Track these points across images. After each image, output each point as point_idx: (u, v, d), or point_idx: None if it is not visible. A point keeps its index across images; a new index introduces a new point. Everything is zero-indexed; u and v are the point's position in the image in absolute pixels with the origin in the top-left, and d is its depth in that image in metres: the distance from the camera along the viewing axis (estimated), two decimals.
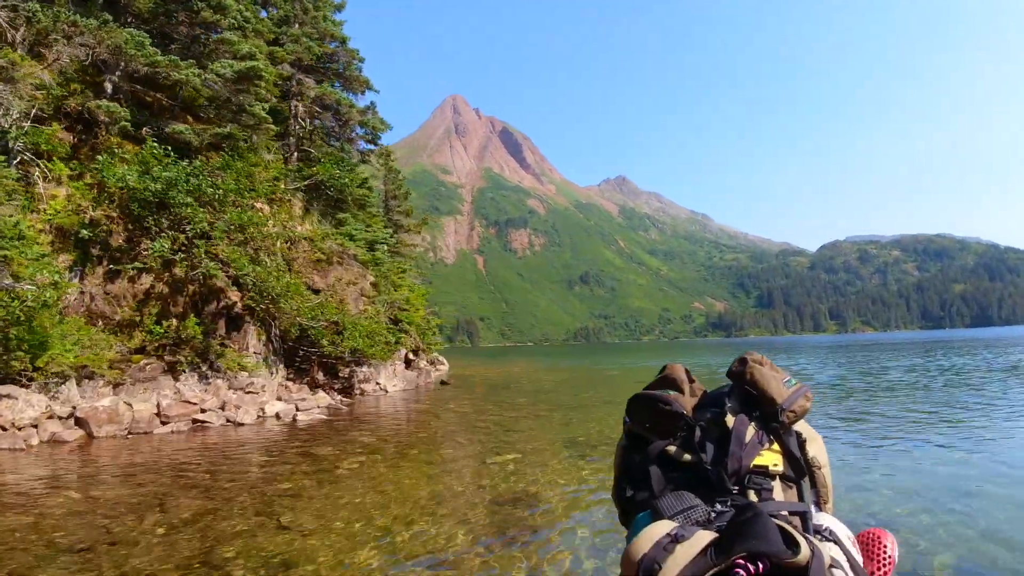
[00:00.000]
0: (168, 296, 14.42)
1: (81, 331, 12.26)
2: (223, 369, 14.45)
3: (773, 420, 1.34)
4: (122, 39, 14.02)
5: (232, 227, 15.05)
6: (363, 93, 25.91)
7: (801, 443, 1.37)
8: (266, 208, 18.97)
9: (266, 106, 18.47)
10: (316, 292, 19.54)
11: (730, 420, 1.33)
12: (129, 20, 16.55)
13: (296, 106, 23.44)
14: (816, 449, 1.40)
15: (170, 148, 14.95)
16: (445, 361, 39.94)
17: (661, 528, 1.09)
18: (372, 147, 28.00)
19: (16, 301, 10.10)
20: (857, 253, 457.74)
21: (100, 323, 13.30)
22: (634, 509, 1.32)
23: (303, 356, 18.54)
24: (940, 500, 6.52)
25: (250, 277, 14.89)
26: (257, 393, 14.43)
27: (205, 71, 15.88)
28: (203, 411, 12.33)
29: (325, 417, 13.96)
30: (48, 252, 12.65)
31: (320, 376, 18.93)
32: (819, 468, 1.39)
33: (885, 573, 1.48)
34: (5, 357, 10.24)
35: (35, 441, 9.92)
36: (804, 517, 1.24)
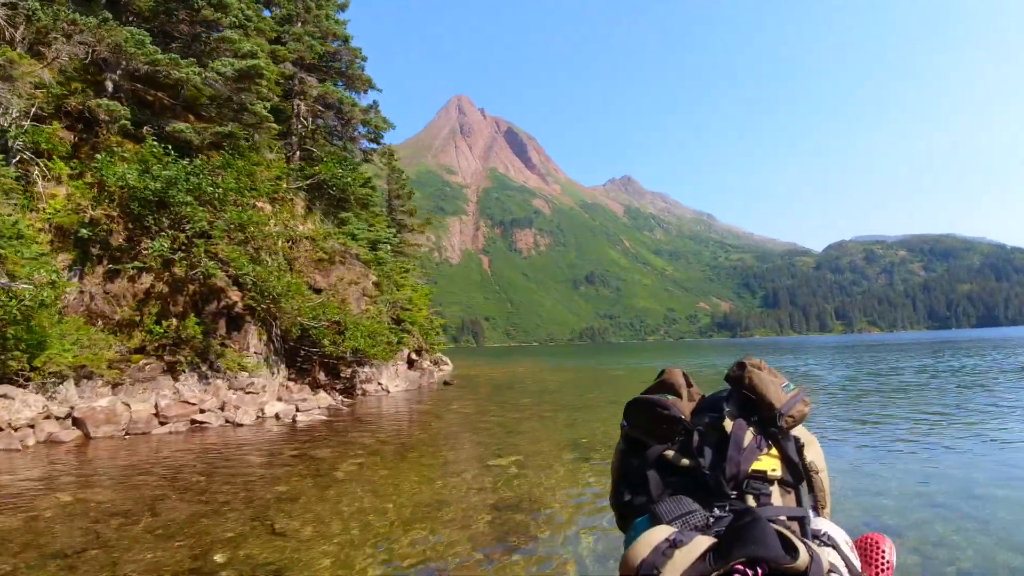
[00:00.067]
0: (168, 296, 14.31)
1: (80, 331, 12.16)
2: (223, 369, 14.33)
3: (771, 425, 1.33)
4: (122, 37, 13.92)
5: (232, 226, 14.93)
6: (366, 92, 25.80)
7: (799, 448, 1.37)
8: (267, 207, 18.86)
9: (268, 105, 18.36)
10: (318, 292, 19.42)
11: (728, 424, 1.32)
12: (130, 19, 16.47)
13: (298, 105, 23.34)
14: (814, 454, 1.40)
15: (170, 147, 14.86)
16: (449, 361, 39.80)
17: (660, 533, 1.08)
18: (375, 146, 27.90)
19: (14, 300, 9.99)
20: (863, 253, 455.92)
21: (100, 323, 13.20)
22: (632, 514, 1.31)
23: (304, 356, 18.42)
24: (955, 505, 6.32)
25: (250, 276, 14.77)
26: (257, 393, 14.30)
27: (206, 69, 15.77)
28: (202, 411, 12.21)
29: (325, 418, 13.82)
30: (47, 251, 12.56)
31: (321, 376, 18.80)
32: (817, 473, 1.39)
33: None
34: (2, 357, 10.13)
35: (31, 442, 9.81)
36: (802, 522, 1.24)
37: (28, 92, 12.27)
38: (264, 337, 16.52)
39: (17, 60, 11.17)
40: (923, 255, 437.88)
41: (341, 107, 24.50)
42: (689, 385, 1.50)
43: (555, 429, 12.15)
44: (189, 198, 14.10)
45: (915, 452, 8.99)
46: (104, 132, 15.00)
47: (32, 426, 10.08)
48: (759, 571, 0.96)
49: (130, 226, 14.37)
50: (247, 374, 14.93)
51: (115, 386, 12.20)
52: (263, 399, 14.05)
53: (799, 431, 1.40)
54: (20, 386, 10.49)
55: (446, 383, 25.12)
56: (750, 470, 1.26)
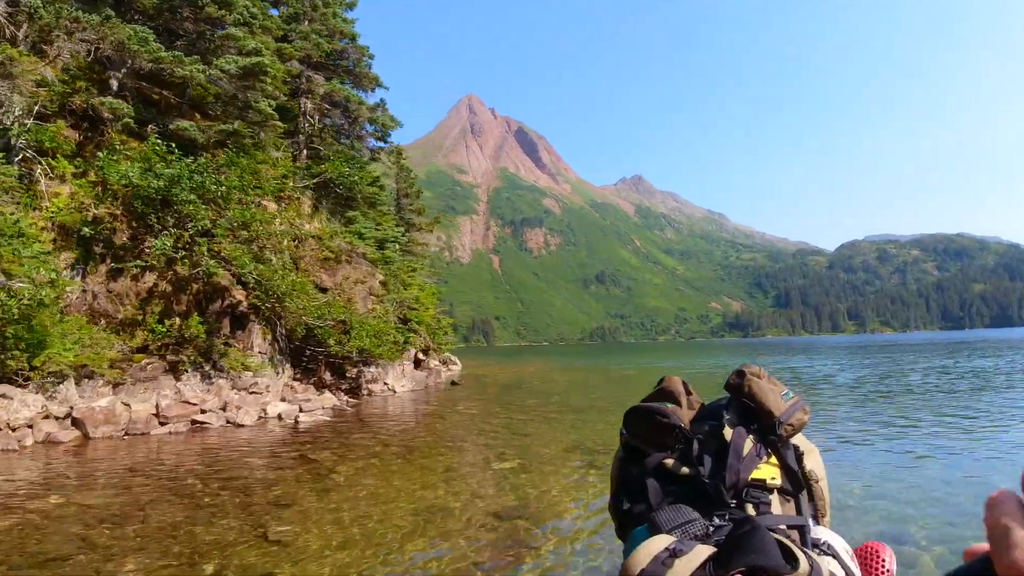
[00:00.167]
0: (171, 294, 14.21)
1: (82, 330, 12.07)
2: (226, 369, 14.21)
3: (771, 433, 1.33)
4: (125, 35, 13.84)
5: (235, 225, 14.80)
6: (373, 90, 25.67)
7: (799, 456, 1.36)
8: (273, 206, 18.76)
9: (273, 103, 18.24)
10: (324, 291, 19.29)
11: (728, 433, 1.31)
12: (135, 17, 16.41)
13: (305, 103, 23.23)
14: (813, 462, 1.38)
15: (174, 145, 14.75)
16: (458, 361, 39.63)
17: (659, 543, 1.07)
18: (382, 144, 27.75)
19: (13, 300, 9.89)
20: (876, 252, 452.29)
21: (103, 322, 13.12)
22: (631, 522, 1.29)
23: (310, 356, 18.30)
24: (981, 512, 6.03)
25: (252, 275, 14.64)
26: (260, 393, 14.17)
27: (210, 67, 15.66)
28: (203, 412, 12.08)
29: (328, 419, 13.66)
30: (50, 250, 12.50)
31: (327, 376, 18.67)
32: (816, 481, 1.37)
33: None
34: (1, 356, 10.03)
35: (29, 442, 9.72)
36: (802, 531, 1.23)
37: (30, 90, 12.19)
38: (268, 336, 16.40)
39: (17, 58, 11.08)
40: (936, 254, 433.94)
41: (348, 105, 24.37)
42: (688, 393, 1.49)
43: (561, 431, 11.91)
44: (192, 196, 13.99)
45: (936, 456, 8.68)
46: (108, 130, 14.93)
47: (30, 426, 9.98)
48: None
49: (134, 224, 14.29)
50: (251, 374, 14.81)
51: (116, 386, 12.10)
52: (266, 399, 13.92)
53: (798, 439, 1.39)
54: (19, 386, 10.40)
55: (453, 383, 24.94)
56: (750, 479, 1.25)
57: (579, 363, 47.45)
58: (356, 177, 22.41)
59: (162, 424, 11.38)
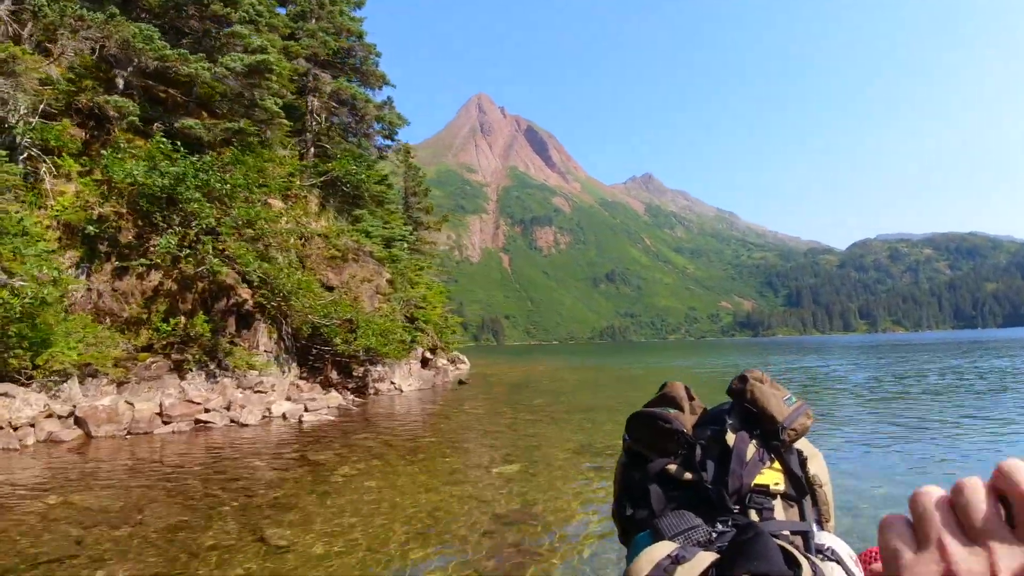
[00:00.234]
0: (177, 293, 14.16)
1: (87, 328, 12.03)
2: (231, 368, 14.15)
3: (774, 438, 1.30)
4: (130, 33, 13.80)
5: (240, 223, 14.73)
6: (380, 88, 25.59)
7: (802, 461, 1.32)
8: (279, 204, 18.70)
9: (279, 101, 18.18)
10: (330, 289, 19.22)
11: (731, 438, 1.28)
12: (142, 15, 16.38)
13: (312, 101, 23.17)
14: (817, 467, 1.33)
15: (180, 143, 14.70)
16: (466, 360, 39.52)
17: (661, 549, 1.04)
18: (389, 142, 27.66)
19: (15, 298, 9.84)
20: (888, 251, 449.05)
21: (108, 320, 13.09)
22: (634, 528, 1.25)
23: (316, 355, 18.22)
24: None
25: (256, 274, 14.56)
26: (266, 392, 14.10)
27: (215, 65, 15.60)
28: (207, 411, 12.00)
29: (333, 418, 13.55)
30: (55, 248, 12.47)
31: (334, 375, 18.59)
32: (820, 486, 1.33)
33: None
34: (3, 354, 9.98)
35: (31, 441, 9.66)
36: (806, 536, 1.19)
37: (34, 88, 12.14)
38: (274, 335, 16.33)
39: (20, 55, 11.04)
40: (949, 253, 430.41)
41: (355, 103, 24.30)
42: (691, 398, 1.45)
43: (568, 432, 11.72)
44: (197, 194, 13.93)
45: (955, 460, 8.44)
46: (114, 129, 14.91)
47: (33, 425, 9.93)
48: None
49: (139, 223, 14.26)
50: (256, 373, 14.74)
51: (120, 385, 12.05)
52: (271, 398, 13.84)
53: (802, 444, 1.35)
54: (22, 384, 10.36)
55: (461, 382, 24.81)
56: (753, 484, 1.22)
57: (588, 362, 47.22)
58: (363, 175, 22.32)
59: (165, 423, 11.31)
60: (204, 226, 14.01)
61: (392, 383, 20.06)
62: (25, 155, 12.45)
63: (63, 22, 12.91)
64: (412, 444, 10.68)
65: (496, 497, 7.09)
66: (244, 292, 15.55)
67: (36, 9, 12.67)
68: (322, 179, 21.84)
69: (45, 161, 12.82)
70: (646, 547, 1.09)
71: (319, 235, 20.33)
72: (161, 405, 11.61)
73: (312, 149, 23.83)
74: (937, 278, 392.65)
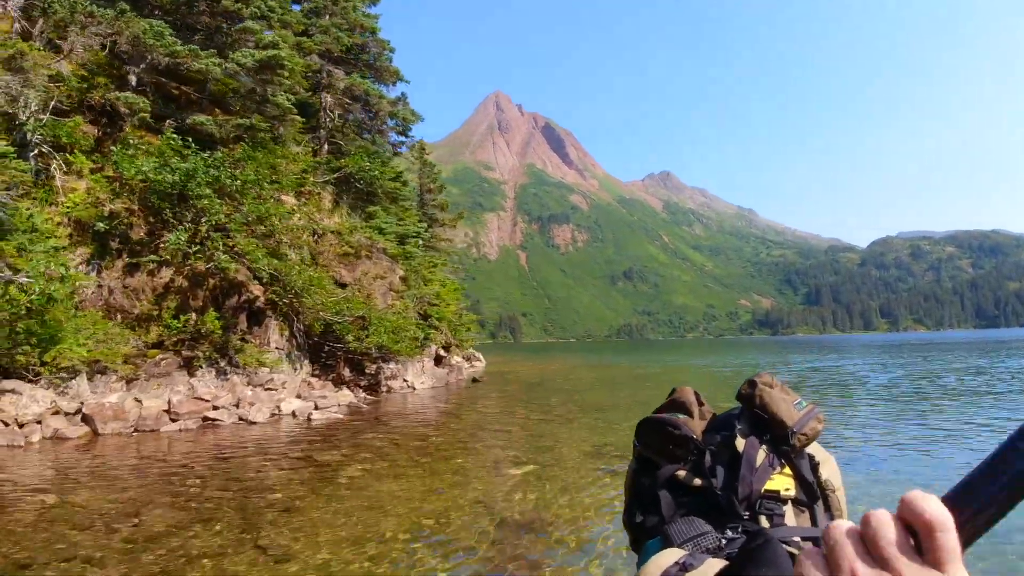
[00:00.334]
0: (188, 290, 14.10)
1: (97, 325, 11.98)
2: (242, 365, 14.05)
3: (784, 443, 1.31)
4: (140, 29, 13.72)
5: (251, 219, 14.62)
6: (394, 84, 25.43)
7: (814, 466, 1.33)
8: (292, 200, 18.60)
9: (291, 97, 18.07)
10: (343, 286, 19.09)
11: (740, 443, 1.30)
12: (154, 12, 16.34)
13: (325, 98, 23.06)
14: (829, 472, 1.35)
15: (191, 140, 14.63)
16: (482, 357, 39.36)
17: (670, 556, 1.06)
18: (403, 139, 27.51)
19: (22, 295, 9.78)
20: (909, 249, 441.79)
21: (119, 317, 13.05)
22: (644, 535, 1.27)
23: (329, 352, 18.11)
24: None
25: (265, 270, 14.45)
26: (276, 390, 13.99)
27: (226, 60, 15.50)
28: (215, 408, 11.90)
29: (342, 417, 13.39)
30: (65, 245, 12.44)
31: (346, 372, 18.47)
32: (833, 491, 1.34)
33: None
34: (11, 351, 9.93)
35: (36, 438, 9.60)
36: (816, 542, 1.09)
37: (44, 85, 12.10)
38: (286, 332, 16.23)
39: (28, 51, 10.98)
40: (971, 251, 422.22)
41: (368, 99, 24.15)
42: (700, 404, 1.48)
43: (582, 433, 11.43)
44: (208, 191, 13.84)
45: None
46: (126, 126, 14.89)
47: (39, 422, 9.87)
48: None
49: (151, 220, 14.21)
50: (267, 370, 14.64)
51: (130, 381, 11.99)
52: (281, 396, 13.72)
53: (814, 449, 1.37)
54: (29, 381, 10.30)
55: (475, 380, 24.61)
56: (763, 490, 1.23)
57: (605, 360, 46.82)
58: (377, 172, 22.16)
59: (173, 421, 11.22)
60: (214, 222, 13.91)
61: (405, 381, 19.91)
62: (36, 152, 12.41)
63: (73, 18, 12.86)
64: (421, 444, 10.47)
65: (505, 502, 6.83)
66: (256, 289, 15.46)
67: (46, 6, 12.63)
68: (335, 176, 21.72)
69: (55, 158, 12.78)
70: (655, 554, 1.08)
71: (332, 232, 20.22)
72: (169, 402, 11.53)
73: (326, 146, 23.73)
74: (959, 276, 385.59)
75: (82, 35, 12.76)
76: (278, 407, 13.01)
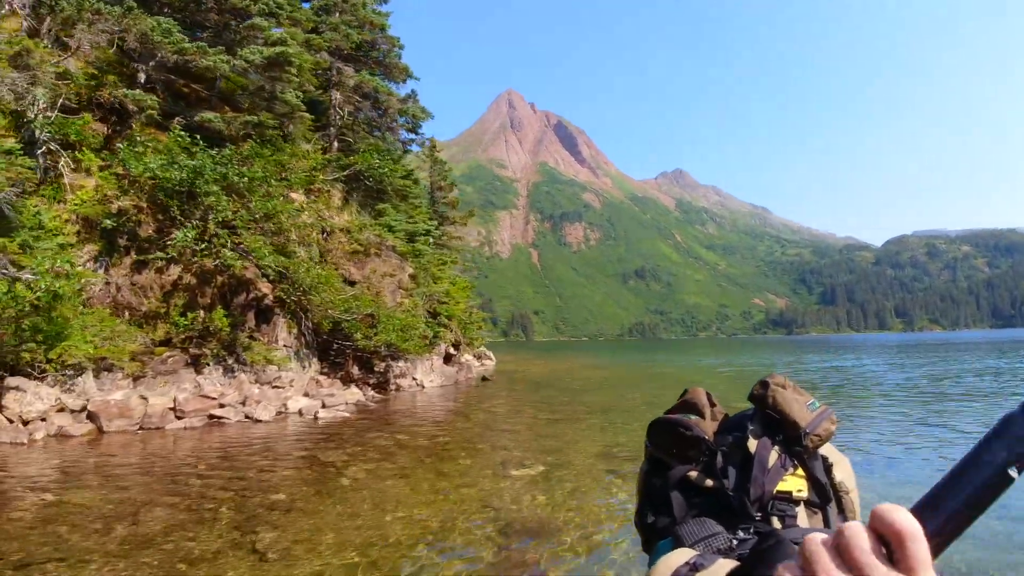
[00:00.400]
0: (196, 287, 14.07)
1: (104, 322, 11.96)
2: (249, 362, 14.00)
3: (796, 444, 1.30)
4: (148, 26, 13.69)
5: (258, 216, 14.56)
6: (404, 81, 25.34)
7: (827, 467, 1.33)
8: (301, 198, 18.55)
9: (300, 94, 18.00)
10: (352, 284, 19.03)
11: (752, 444, 1.29)
12: (164, 10, 16.33)
13: (335, 95, 23.00)
14: (843, 473, 1.35)
15: (199, 137, 14.60)
16: (492, 356, 39.24)
17: (680, 556, 1.06)
18: (413, 136, 27.42)
19: (28, 292, 9.75)
20: (925, 248, 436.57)
21: (126, 314, 13.03)
22: (655, 536, 1.27)
23: (338, 350, 18.06)
24: None
25: (272, 268, 14.39)
26: (283, 388, 13.93)
27: (234, 57, 15.45)
28: (221, 406, 11.85)
29: (349, 415, 13.29)
30: (73, 242, 12.44)
31: (355, 371, 18.42)
32: (846, 493, 1.34)
33: None
34: (16, 348, 9.90)
35: (40, 435, 9.56)
36: None
37: (51, 83, 12.08)
38: (294, 330, 16.17)
39: (32, 48, 10.95)
40: (987, 250, 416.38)
41: (378, 96, 24.06)
42: (712, 404, 1.48)
43: (590, 434, 11.25)
44: (215, 188, 13.80)
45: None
46: (137, 124, 14.89)
47: (44, 419, 9.84)
48: None
49: (159, 217, 14.19)
50: (275, 368, 14.58)
51: (136, 379, 11.96)
52: (287, 394, 13.66)
53: (827, 450, 1.36)
54: (35, 378, 10.28)
55: (484, 379, 24.48)
56: (775, 491, 1.23)
57: (617, 359, 46.55)
58: (386, 169, 22.06)
59: (178, 418, 11.17)
60: (220, 219, 13.87)
61: (414, 379, 19.82)
62: (43, 149, 12.41)
63: (81, 16, 12.84)
64: (426, 444, 10.34)
65: (513, 505, 6.66)
66: (264, 287, 15.41)
67: (54, 3, 12.62)
68: (345, 173, 21.65)
69: (63, 155, 12.78)
70: (665, 554, 1.07)
71: (341, 229, 20.16)
72: (175, 400, 11.49)
73: (336, 143, 23.68)
74: (975, 276, 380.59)
75: (89, 32, 12.73)
76: (284, 405, 12.95)
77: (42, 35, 12.98)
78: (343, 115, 23.61)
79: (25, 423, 9.54)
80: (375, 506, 6.62)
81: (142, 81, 15.22)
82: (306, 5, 22.36)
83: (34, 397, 9.82)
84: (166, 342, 13.25)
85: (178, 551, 5.31)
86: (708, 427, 1.40)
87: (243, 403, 12.47)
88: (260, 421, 11.90)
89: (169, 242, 13.39)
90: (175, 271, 13.94)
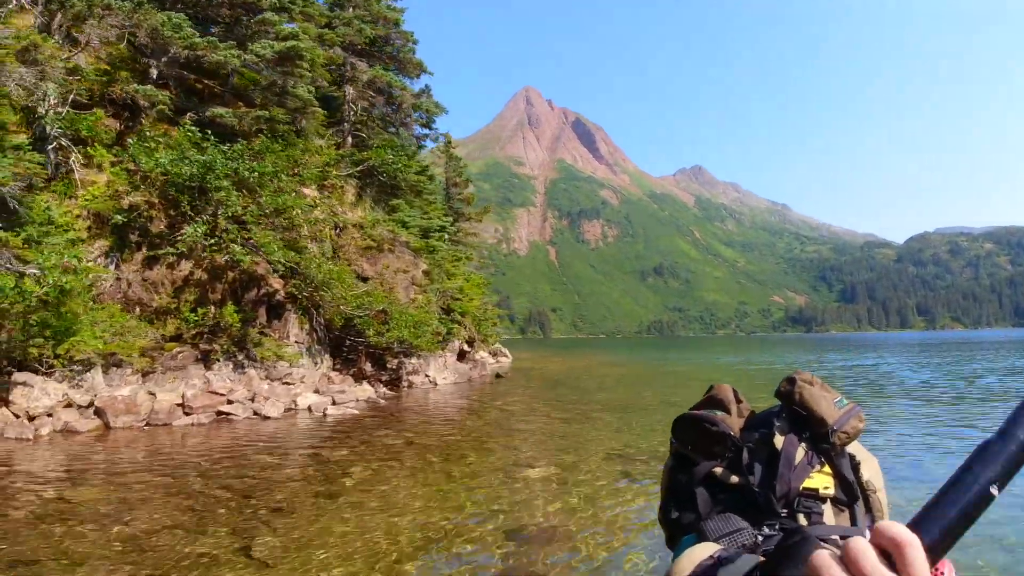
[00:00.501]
0: (207, 283, 14.00)
1: (114, 318, 11.90)
2: (259, 359, 13.90)
3: (823, 441, 1.30)
4: (159, 21, 13.62)
5: (268, 211, 14.45)
6: (418, 77, 25.16)
7: (855, 465, 1.32)
8: (314, 193, 18.45)
9: (312, 89, 17.88)
10: (364, 280, 18.90)
11: (779, 441, 1.29)
12: (176, 6, 16.29)
13: (348, 91, 22.88)
14: (871, 471, 1.34)
15: (211, 132, 14.52)
16: (508, 353, 39.04)
17: (704, 551, 1.05)
18: (427, 131, 27.24)
19: (36, 286, 9.69)
20: (947, 245, 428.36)
21: (137, 310, 12.99)
22: (680, 532, 1.27)
23: (350, 346, 17.94)
24: None
25: (281, 263, 14.27)
26: (293, 384, 13.82)
27: (245, 52, 15.36)
28: (229, 403, 11.75)
29: (359, 412, 13.13)
30: (84, 238, 12.41)
31: (367, 367, 18.30)
32: (874, 491, 1.33)
33: None
34: (24, 343, 9.85)
35: (45, 431, 9.50)
36: None
37: (62, 78, 12.04)
38: (306, 326, 16.07)
39: (40, 43, 10.89)
40: (1011, 248, 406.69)
41: (391, 92, 23.90)
42: (739, 401, 1.47)
43: (601, 434, 10.95)
44: (226, 183, 13.71)
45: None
46: (148, 119, 14.86)
47: (50, 415, 9.79)
48: None
49: (171, 212, 14.14)
50: (286, 364, 14.48)
51: (146, 375, 11.90)
52: (297, 390, 13.55)
53: (855, 448, 1.35)
54: (43, 374, 10.23)
55: (498, 376, 24.28)
56: (801, 488, 1.23)
57: (634, 357, 46.11)
58: (400, 165, 21.91)
59: (186, 414, 11.08)
60: (230, 214, 13.78)
61: (427, 376, 19.66)
62: (54, 145, 12.38)
63: (91, 11, 12.79)
64: (434, 443, 10.13)
65: (516, 507, 6.40)
66: (275, 282, 15.32)
67: None
68: (359, 169, 21.52)
69: (74, 151, 12.75)
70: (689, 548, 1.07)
71: (354, 225, 20.04)
72: (183, 396, 11.41)
73: (349, 139, 23.57)
74: (998, 274, 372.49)
75: (99, 27, 12.67)
76: (294, 402, 12.83)
77: (53, 31, 12.96)
78: (356, 110, 23.49)
79: (31, 419, 9.50)
80: (377, 508, 6.40)
81: (154, 77, 15.18)
82: (320, 1, 22.28)
83: (41, 392, 9.77)
84: (176, 338, 13.19)
85: (173, 551, 5.15)
86: (734, 423, 1.39)
87: (252, 399, 12.37)
88: (268, 418, 11.77)
89: (179, 237, 13.32)
90: (186, 267, 13.88)
